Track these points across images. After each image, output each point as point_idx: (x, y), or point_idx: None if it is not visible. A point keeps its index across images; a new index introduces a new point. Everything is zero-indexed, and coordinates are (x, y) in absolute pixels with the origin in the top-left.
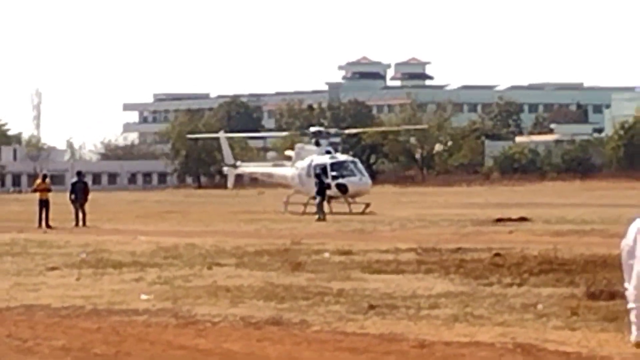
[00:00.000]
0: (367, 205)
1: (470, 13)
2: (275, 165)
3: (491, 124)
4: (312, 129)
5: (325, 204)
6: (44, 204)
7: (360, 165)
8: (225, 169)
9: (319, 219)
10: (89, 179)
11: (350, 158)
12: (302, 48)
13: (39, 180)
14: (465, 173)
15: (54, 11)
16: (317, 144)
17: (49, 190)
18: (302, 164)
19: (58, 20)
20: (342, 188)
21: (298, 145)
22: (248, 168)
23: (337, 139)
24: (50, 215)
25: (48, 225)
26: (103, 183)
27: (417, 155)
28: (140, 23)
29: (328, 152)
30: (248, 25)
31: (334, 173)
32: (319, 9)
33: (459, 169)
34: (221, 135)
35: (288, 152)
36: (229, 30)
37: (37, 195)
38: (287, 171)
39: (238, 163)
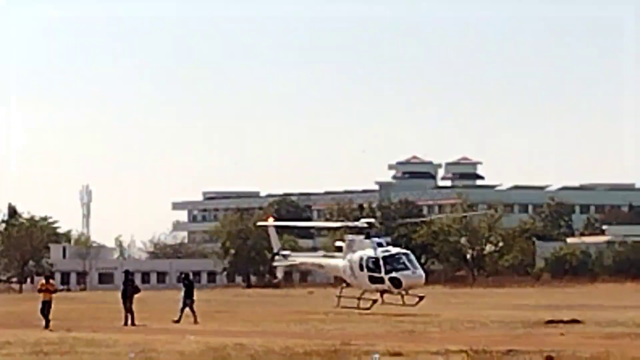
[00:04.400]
0: (421, 298)
1: (521, 113)
2: (325, 257)
3: (542, 224)
4: (364, 220)
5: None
6: (45, 305)
7: (412, 257)
8: (276, 258)
9: (176, 321)
10: (137, 278)
11: (402, 250)
12: (352, 147)
13: (42, 281)
14: (516, 274)
15: (104, 109)
16: (368, 236)
17: (53, 291)
18: (354, 256)
19: (109, 119)
20: (396, 282)
21: (349, 237)
22: (299, 258)
23: (388, 239)
24: (50, 317)
25: (47, 327)
26: (152, 282)
27: (468, 256)
28: (189, 121)
29: (380, 245)
30: (298, 123)
31: (387, 267)
32: (369, 107)
33: (510, 270)
34: (270, 223)
35: (338, 243)
36: (278, 128)
37: (81, 294)
38: (338, 262)
39: (288, 253)
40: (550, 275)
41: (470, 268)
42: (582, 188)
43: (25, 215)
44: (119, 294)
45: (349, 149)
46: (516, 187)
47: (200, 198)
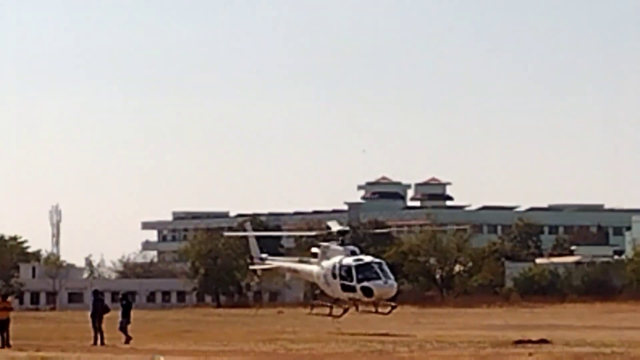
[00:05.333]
0: (393, 307)
1: (490, 134)
2: (301, 262)
3: (511, 245)
4: (337, 228)
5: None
6: (3, 324)
7: (385, 267)
8: (255, 261)
9: (126, 342)
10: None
11: (375, 260)
12: (321, 167)
13: None
14: (485, 294)
15: (74, 129)
16: (342, 243)
17: (9, 309)
18: (328, 263)
19: (78, 139)
20: (367, 292)
21: (324, 244)
22: (275, 262)
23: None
24: (11, 334)
25: (8, 345)
26: None
27: (437, 276)
28: (159, 141)
29: (353, 253)
30: (267, 143)
31: (359, 276)
32: (338, 128)
33: (479, 290)
34: (248, 227)
35: (314, 249)
36: (247, 149)
37: (51, 313)
38: (313, 268)
39: (265, 256)
40: (519, 295)
41: (439, 288)
42: (550, 209)
43: None
44: (89, 314)
45: (318, 170)
46: (485, 208)
47: (170, 218)
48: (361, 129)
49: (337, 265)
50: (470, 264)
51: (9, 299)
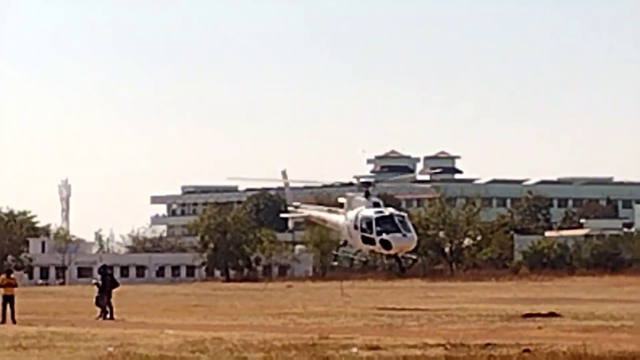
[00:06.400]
0: (415, 260)
1: (500, 108)
2: (330, 212)
3: (520, 218)
4: (362, 179)
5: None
6: (8, 300)
7: (407, 220)
8: (288, 209)
9: (98, 317)
10: (116, 272)
11: (396, 212)
12: (331, 141)
13: (3, 275)
14: (494, 267)
15: (83, 104)
16: (367, 194)
17: (14, 285)
18: (351, 214)
19: (87, 113)
20: (386, 244)
21: (349, 195)
22: (307, 210)
23: None
24: (16, 309)
25: (14, 321)
26: (131, 276)
27: (446, 250)
28: (169, 115)
29: (376, 204)
30: (276, 118)
31: (378, 228)
32: (347, 102)
33: (488, 264)
34: (283, 173)
35: (341, 199)
36: (256, 124)
37: (60, 288)
38: (339, 219)
39: (299, 204)
40: (529, 269)
41: (448, 262)
42: (560, 182)
43: (4, 210)
44: (95, 288)
45: (327, 144)
46: (494, 181)
47: (179, 192)
48: (370, 103)
49: (359, 217)
50: (480, 237)
51: (13, 274)
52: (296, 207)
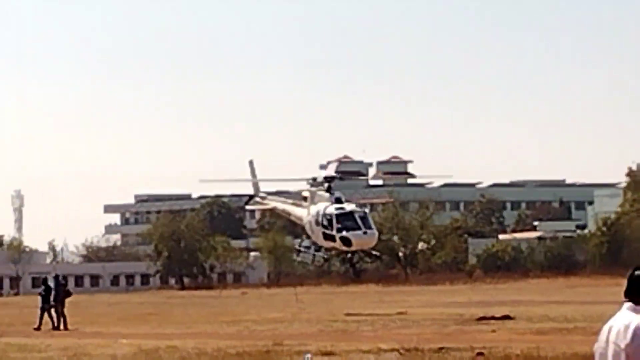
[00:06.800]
0: (377, 256)
1: (451, 111)
2: (294, 205)
3: (474, 221)
4: (325, 175)
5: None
6: None
7: (367, 216)
8: (254, 199)
9: (37, 327)
10: (71, 281)
11: (357, 209)
12: (283, 147)
13: None
14: (449, 271)
15: (35, 112)
16: (329, 189)
17: None
18: (314, 209)
19: (40, 122)
20: (346, 242)
21: (311, 189)
22: (272, 202)
23: None
24: None
25: None
26: (85, 285)
27: (400, 254)
28: (120, 123)
29: (338, 200)
30: (228, 124)
31: (339, 225)
32: (299, 107)
33: (442, 267)
34: (250, 163)
35: (304, 193)
36: (208, 130)
37: (15, 299)
38: (303, 213)
39: (265, 195)
40: (483, 272)
41: (403, 266)
42: (512, 185)
43: None
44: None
45: (281, 149)
46: (447, 185)
47: (132, 201)
48: (324, 109)
49: (321, 212)
50: (434, 241)
51: None
52: (262, 198)
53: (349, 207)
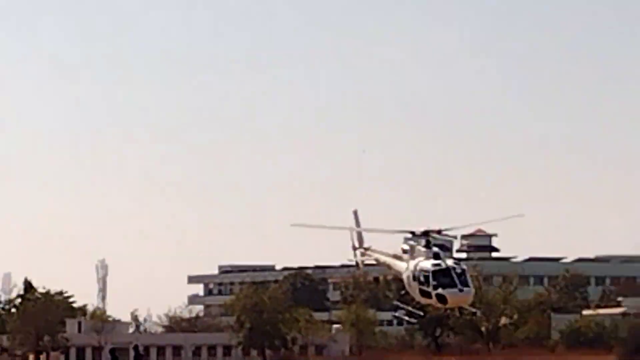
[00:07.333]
0: (474, 314)
1: (536, 186)
2: (395, 257)
3: (557, 296)
4: (422, 229)
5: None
6: None
7: (466, 273)
8: (356, 252)
9: None
10: (153, 352)
11: (455, 265)
12: (367, 219)
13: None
14: (532, 346)
15: (121, 183)
16: (428, 244)
17: None
18: (412, 264)
19: (125, 193)
20: (442, 299)
21: (411, 243)
22: (375, 254)
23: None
24: None
25: None
26: (167, 356)
27: (483, 329)
28: (204, 195)
29: (436, 256)
30: (313, 198)
31: (435, 282)
32: (381, 180)
33: (525, 342)
34: (354, 213)
35: (404, 246)
36: (293, 203)
37: None
38: (402, 266)
39: (368, 246)
40: (566, 348)
41: (485, 341)
42: (597, 260)
43: (41, 290)
44: None
45: (363, 222)
46: (531, 259)
47: (216, 272)
48: (403, 180)
49: (418, 268)
50: (517, 316)
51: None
52: (366, 249)
53: (446, 263)
